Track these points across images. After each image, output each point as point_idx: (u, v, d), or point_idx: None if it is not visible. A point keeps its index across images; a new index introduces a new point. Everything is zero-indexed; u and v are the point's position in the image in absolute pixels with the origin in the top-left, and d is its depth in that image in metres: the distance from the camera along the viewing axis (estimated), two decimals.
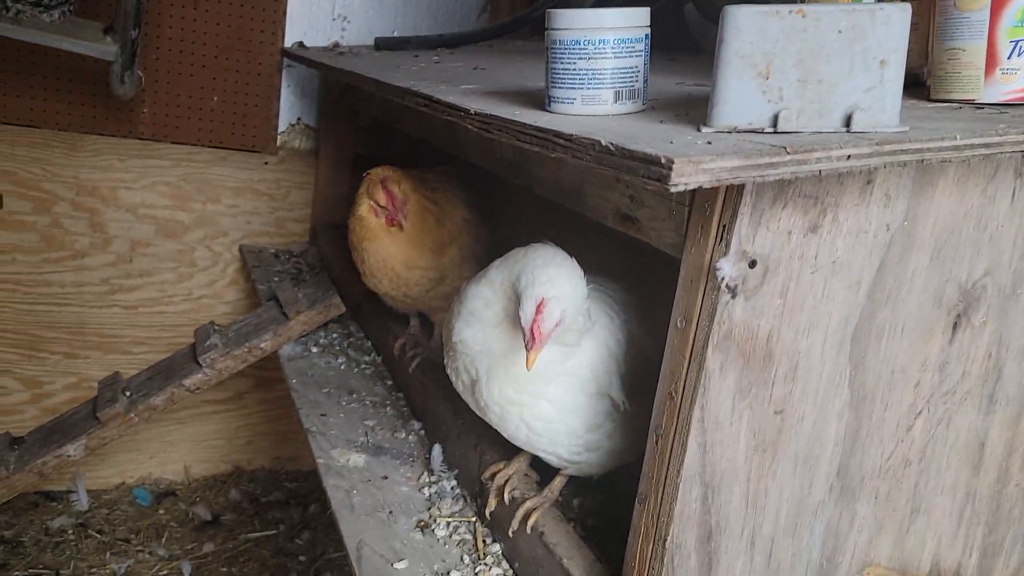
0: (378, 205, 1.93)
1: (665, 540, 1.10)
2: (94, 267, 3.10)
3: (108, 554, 2.93)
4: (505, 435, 1.48)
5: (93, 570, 2.84)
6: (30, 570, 2.79)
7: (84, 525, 3.07)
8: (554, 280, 1.28)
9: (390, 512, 1.66)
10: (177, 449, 3.40)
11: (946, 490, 1.30)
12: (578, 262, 1.36)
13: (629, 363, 1.42)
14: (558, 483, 1.52)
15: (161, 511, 3.23)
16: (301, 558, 3.06)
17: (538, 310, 1.25)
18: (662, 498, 1.11)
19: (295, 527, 3.23)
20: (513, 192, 2.16)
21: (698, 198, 1.05)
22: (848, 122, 0.97)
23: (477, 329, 1.41)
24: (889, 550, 1.28)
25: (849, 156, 0.91)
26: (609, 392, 1.40)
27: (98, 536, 3.02)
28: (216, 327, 2.47)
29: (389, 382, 2.24)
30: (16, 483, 2.18)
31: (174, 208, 3.13)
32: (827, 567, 1.21)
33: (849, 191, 1.05)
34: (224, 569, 2.95)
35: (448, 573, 1.49)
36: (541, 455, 1.48)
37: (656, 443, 1.13)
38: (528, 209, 2.24)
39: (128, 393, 2.31)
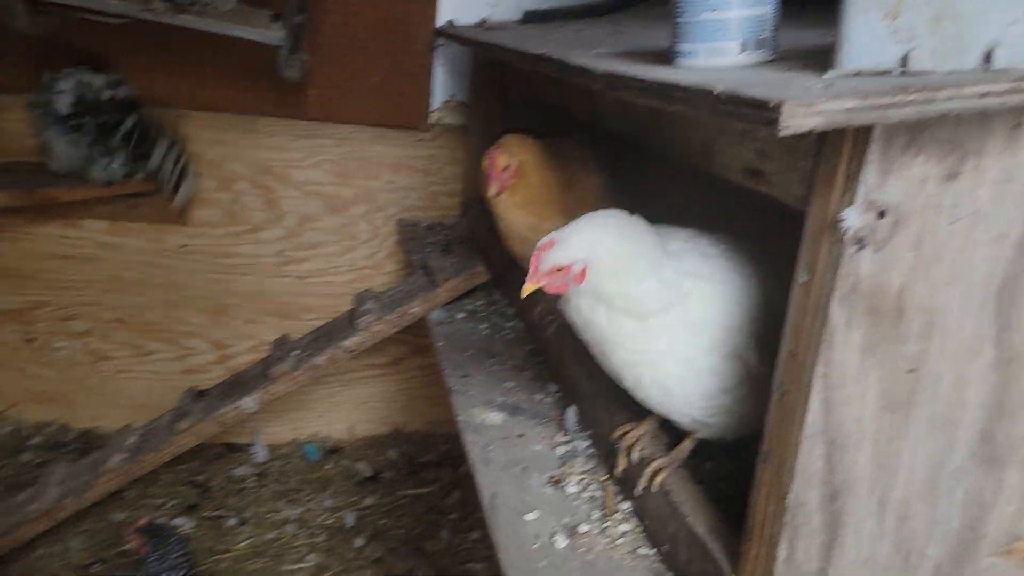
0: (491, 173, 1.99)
1: (786, 498, 1.09)
2: (269, 240, 3.38)
3: (282, 501, 3.22)
4: (638, 399, 1.49)
5: (269, 515, 3.13)
6: (217, 511, 3.11)
7: (262, 475, 3.38)
8: (578, 231, 1.35)
9: (524, 468, 1.72)
10: (342, 410, 3.66)
11: None
12: (710, 223, 1.35)
13: (765, 325, 1.39)
14: (687, 445, 1.52)
15: (328, 466, 3.49)
16: (452, 515, 3.22)
17: (544, 247, 1.34)
18: (784, 456, 1.09)
19: (447, 486, 3.40)
20: (652, 160, 2.15)
21: (825, 146, 1.02)
22: (988, 59, 0.90)
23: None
24: None
25: (985, 94, 0.85)
26: (743, 354, 1.37)
27: (274, 485, 3.32)
28: (372, 294, 2.63)
29: (529, 347, 2.30)
30: (201, 431, 2.45)
31: (338, 185, 3.35)
32: (969, 537, 1.14)
33: (994, 135, 0.97)
34: (382, 521, 3.16)
35: (577, 526, 1.53)
36: (673, 417, 1.49)
37: (778, 400, 1.11)
38: (668, 179, 2.23)
39: (295, 353, 2.52)
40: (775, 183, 1.17)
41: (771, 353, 1.36)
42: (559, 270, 1.34)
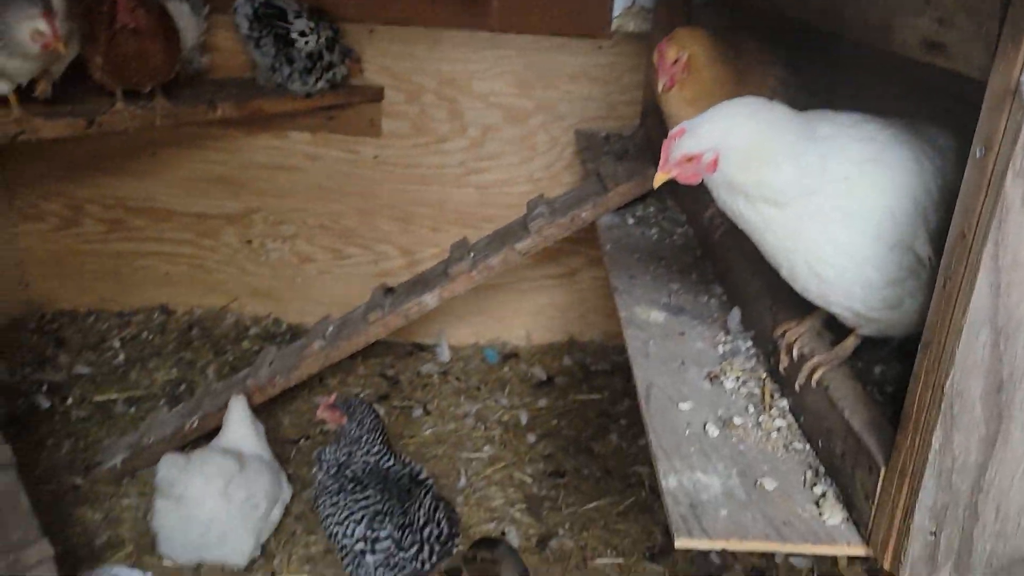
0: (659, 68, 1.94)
1: (943, 386, 1.04)
2: (453, 151, 3.53)
3: (462, 397, 3.45)
4: (797, 289, 1.46)
5: (451, 408, 3.37)
6: (405, 402, 3.39)
7: (446, 373, 3.63)
8: (710, 119, 1.33)
9: (682, 363, 1.73)
10: (521, 317, 3.82)
11: None
12: (886, 110, 1.26)
13: (939, 215, 1.29)
14: (851, 342, 1.46)
15: (506, 369, 3.68)
16: (622, 421, 3.30)
17: (675, 136, 1.33)
18: (944, 342, 1.04)
19: (618, 394, 3.47)
20: (829, 51, 2.02)
21: (1012, 8, 0.93)
22: None
23: None
24: None
25: None
26: (913, 245, 1.30)
27: (456, 383, 3.56)
28: (545, 199, 2.70)
29: (698, 252, 2.28)
30: (388, 323, 2.67)
31: (518, 96, 3.41)
32: None
33: None
34: (554, 421, 3.30)
35: (731, 418, 1.54)
36: (836, 311, 1.44)
37: (944, 286, 1.05)
38: (845, 69, 2.09)
39: (472, 255, 2.66)
40: (955, 54, 1.08)
41: (943, 246, 1.28)
42: (690, 160, 1.32)
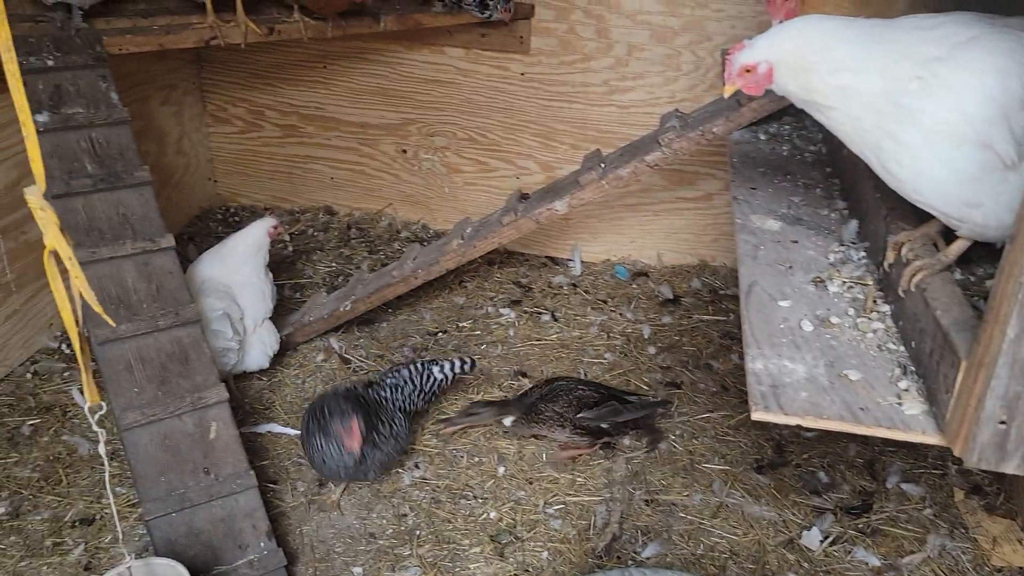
0: None
1: (1022, 277, 1.08)
2: (597, 70, 3.61)
3: (589, 308, 3.61)
4: (892, 187, 1.51)
5: (578, 317, 3.54)
6: (535, 308, 3.59)
7: (575, 285, 3.79)
8: (764, 35, 1.45)
9: (789, 266, 1.80)
10: (653, 238, 3.90)
11: None
12: None
13: None
14: (955, 248, 1.49)
15: (634, 286, 3.79)
16: None
17: (734, 49, 1.46)
18: None
19: None
20: None
21: None
22: None
23: None
24: None
25: None
26: (992, 144, 1.31)
27: (584, 295, 3.72)
28: (678, 114, 2.75)
29: (828, 170, 2.28)
30: (521, 226, 2.85)
31: (666, 14, 3.43)
32: None
33: None
34: (676, 337, 3.41)
35: (828, 318, 1.61)
36: (931, 211, 1.48)
37: None
38: None
39: (603, 165, 2.77)
40: None
41: None
42: (748, 71, 1.43)
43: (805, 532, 2.47)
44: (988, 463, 1.23)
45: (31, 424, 2.80)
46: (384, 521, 2.52)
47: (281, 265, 3.83)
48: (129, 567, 1.74)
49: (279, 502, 2.56)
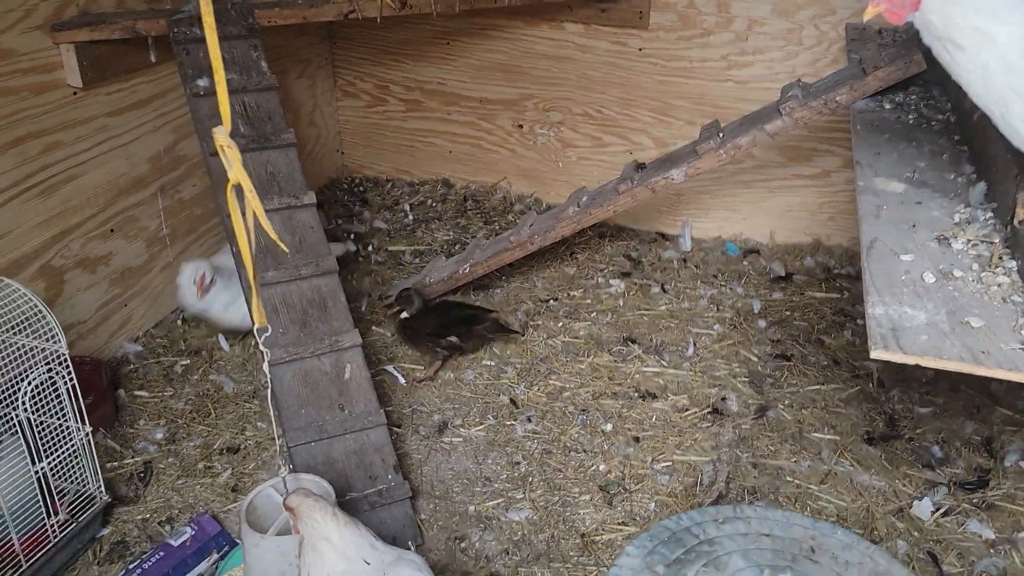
0: None
1: None
2: (716, 45, 3.64)
3: (699, 282, 3.65)
4: (1008, 136, 1.52)
5: (687, 290, 3.59)
6: (645, 280, 3.66)
7: (685, 260, 3.84)
8: None
9: (913, 225, 1.82)
10: (766, 215, 3.90)
11: None
12: None
13: None
14: None
15: (745, 263, 3.81)
16: (859, 321, 3.33)
17: None
18: None
19: (859, 296, 3.48)
20: None
21: None
22: None
23: None
24: None
25: None
26: None
27: (694, 269, 3.76)
28: (800, 83, 2.77)
29: (956, 137, 2.26)
30: (636, 194, 2.93)
31: None
32: None
33: None
34: (788, 313, 3.41)
35: (951, 271, 1.63)
36: None
37: None
38: None
39: (721, 135, 2.82)
40: None
41: None
42: None
43: (916, 502, 2.47)
44: None
45: (183, 364, 3.10)
46: (498, 467, 2.67)
47: (401, 232, 4.05)
48: (283, 478, 1.94)
49: (402, 444, 2.75)
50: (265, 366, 1.77)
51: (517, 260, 3.30)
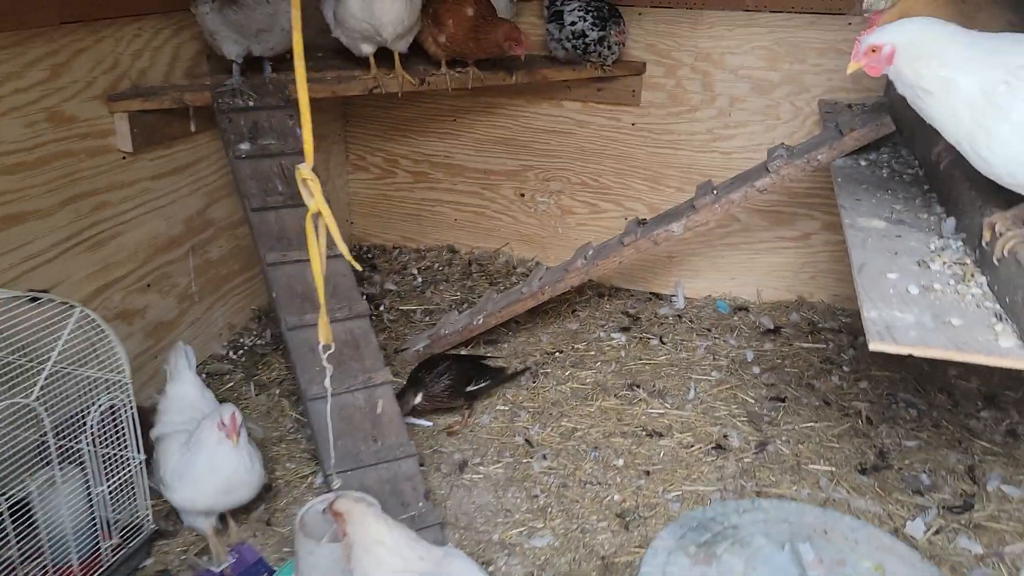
0: None
1: None
2: (702, 119, 4.00)
3: (695, 335, 3.90)
4: (978, 167, 1.80)
5: (684, 342, 3.83)
6: (643, 334, 3.90)
7: (680, 316, 4.10)
8: (900, 24, 1.73)
9: (895, 252, 2.09)
10: (752, 275, 4.19)
11: None
12: None
13: None
14: None
15: (735, 318, 4.07)
16: (844, 367, 3.58)
17: (863, 32, 1.75)
18: None
19: (843, 346, 3.75)
20: None
21: None
22: None
23: None
24: None
25: None
26: None
27: (689, 323, 4.02)
28: (784, 145, 3.09)
29: (925, 187, 2.57)
30: (639, 246, 3.20)
31: (766, 69, 3.81)
32: None
33: None
34: (779, 361, 3.66)
35: (932, 285, 1.88)
36: (1022, 193, 1.76)
37: None
38: None
39: (715, 192, 3.12)
40: None
41: None
42: (873, 51, 1.73)
43: (909, 523, 2.66)
44: None
45: None
46: (518, 500, 2.82)
47: (411, 293, 4.27)
48: (335, 489, 2.10)
49: (425, 480, 2.90)
50: (327, 381, 1.96)
51: (522, 317, 3.53)
